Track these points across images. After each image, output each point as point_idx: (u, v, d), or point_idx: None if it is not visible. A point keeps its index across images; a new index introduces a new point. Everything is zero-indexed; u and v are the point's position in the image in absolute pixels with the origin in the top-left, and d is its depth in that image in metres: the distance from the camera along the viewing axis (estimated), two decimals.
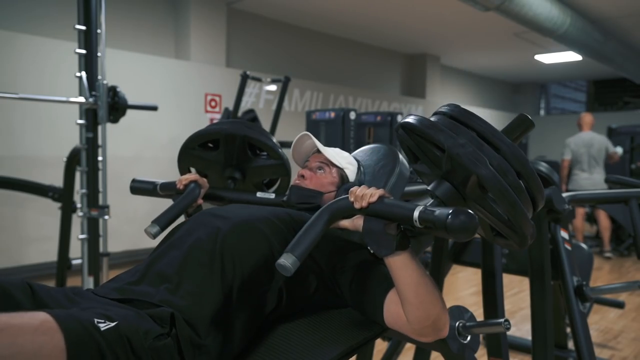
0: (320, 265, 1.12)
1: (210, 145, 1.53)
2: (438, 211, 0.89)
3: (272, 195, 1.43)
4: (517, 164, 0.92)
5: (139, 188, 1.48)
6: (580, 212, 5.52)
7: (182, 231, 1.16)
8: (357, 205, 0.97)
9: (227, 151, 1.48)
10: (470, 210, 0.89)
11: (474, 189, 0.96)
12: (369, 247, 1.02)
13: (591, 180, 5.31)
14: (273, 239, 1.10)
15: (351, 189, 1.00)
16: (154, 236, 1.23)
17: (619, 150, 5.63)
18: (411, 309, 0.98)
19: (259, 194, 1.43)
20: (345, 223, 1.01)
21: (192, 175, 1.39)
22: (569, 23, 5.85)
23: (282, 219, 1.15)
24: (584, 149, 5.39)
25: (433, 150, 0.99)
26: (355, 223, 1.00)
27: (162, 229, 1.24)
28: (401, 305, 1.00)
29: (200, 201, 1.38)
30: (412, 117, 1.01)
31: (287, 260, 0.89)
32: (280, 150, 1.48)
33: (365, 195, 0.96)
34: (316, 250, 1.09)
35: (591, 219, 6.06)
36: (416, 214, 0.91)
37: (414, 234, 1.01)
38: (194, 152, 1.52)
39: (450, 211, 0.87)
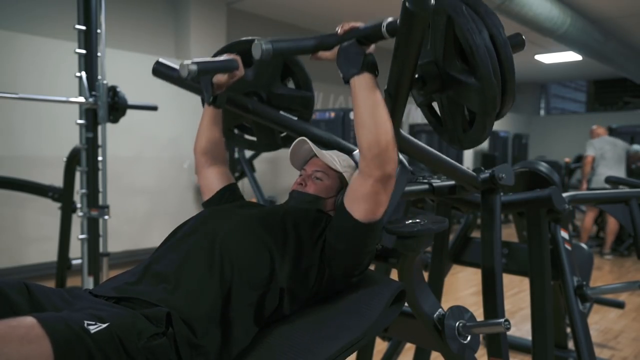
0: (317, 256, 1.12)
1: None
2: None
3: (295, 118, 1.44)
4: (493, 28, 1.01)
5: (163, 72, 1.41)
6: (591, 214, 5.54)
7: (181, 233, 1.16)
8: (340, 31, 1.06)
9: (261, 67, 1.46)
10: None
11: (449, 46, 1.06)
12: (340, 72, 1.09)
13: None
14: (270, 239, 1.10)
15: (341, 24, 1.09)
16: (189, 73, 1.16)
17: (638, 147, 5.75)
18: (364, 131, 1.04)
19: (282, 113, 1.45)
20: (325, 54, 1.09)
21: (233, 55, 1.32)
22: (569, 23, 5.84)
23: (280, 218, 1.16)
24: (609, 146, 5.51)
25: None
26: (334, 52, 1.08)
27: (199, 72, 1.18)
28: (357, 133, 1.05)
29: (240, 73, 1.30)
30: None
31: (264, 43, 0.97)
32: (312, 84, 1.50)
33: (350, 23, 1.06)
34: (311, 243, 1.12)
35: (595, 219, 6.07)
36: (384, 23, 1.02)
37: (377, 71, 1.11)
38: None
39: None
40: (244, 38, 1.46)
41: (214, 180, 1.38)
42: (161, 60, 1.43)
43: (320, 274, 1.13)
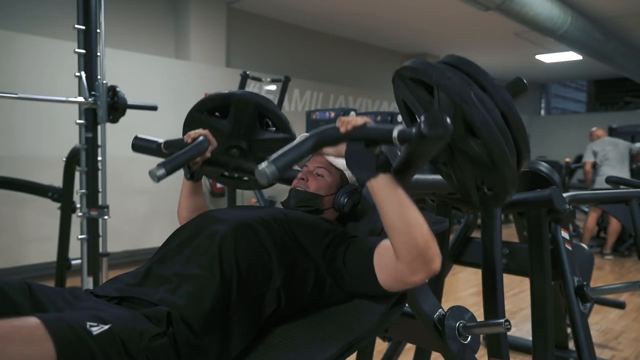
0: (316, 261, 1.12)
1: (217, 115, 1.49)
2: (415, 128, 0.91)
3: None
4: (503, 105, 0.93)
5: (142, 146, 1.41)
6: (594, 214, 5.53)
7: (181, 235, 1.16)
8: (342, 130, 0.99)
9: (236, 119, 1.44)
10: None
11: (458, 127, 0.97)
12: (352, 174, 1.04)
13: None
14: (269, 240, 1.10)
15: (339, 118, 1.02)
16: (158, 179, 1.17)
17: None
18: (398, 235, 0.96)
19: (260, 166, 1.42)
20: (329, 150, 1.04)
21: (202, 130, 1.35)
22: (569, 23, 5.84)
23: (279, 220, 1.15)
24: (610, 146, 5.50)
25: (423, 97, 1.00)
26: (339, 149, 1.03)
27: (168, 173, 1.19)
28: (389, 240, 0.99)
29: (207, 155, 1.33)
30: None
31: (267, 168, 0.91)
32: (290, 124, 1.46)
33: (351, 121, 0.99)
34: (308, 243, 1.11)
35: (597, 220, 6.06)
36: (395, 132, 0.92)
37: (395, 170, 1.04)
38: (202, 117, 1.47)
39: (423, 119, 0.88)
40: (213, 94, 1.45)
41: None
42: (140, 135, 1.43)
43: (321, 281, 1.12)
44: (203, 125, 1.49)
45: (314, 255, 1.12)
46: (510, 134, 0.95)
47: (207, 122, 1.48)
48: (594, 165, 5.60)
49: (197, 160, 1.33)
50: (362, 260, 1.07)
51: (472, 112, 0.90)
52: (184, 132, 1.52)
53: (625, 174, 5.35)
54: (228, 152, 1.49)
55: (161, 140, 1.38)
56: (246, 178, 1.71)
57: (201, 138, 1.32)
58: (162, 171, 1.17)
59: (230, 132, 1.47)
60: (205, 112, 1.46)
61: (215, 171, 1.48)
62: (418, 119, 0.93)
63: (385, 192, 0.97)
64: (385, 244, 1.04)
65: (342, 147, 1.01)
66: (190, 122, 1.50)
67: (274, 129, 1.47)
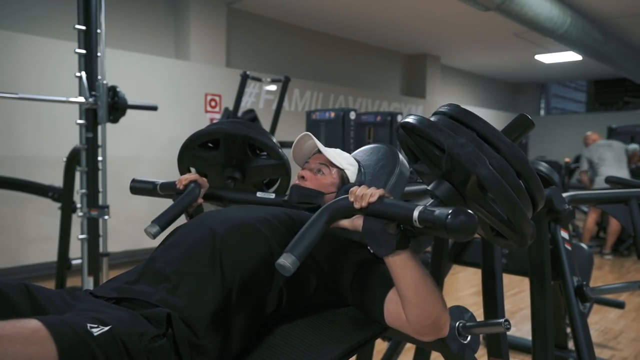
0: (321, 264, 1.11)
1: (210, 145, 1.53)
2: (438, 211, 0.89)
3: (272, 195, 1.42)
4: (517, 164, 0.92)
5: (139, 188, 1.48)
6: (593, 214, 5.53)
7: (181, 232, 1.16)
8: (357, 205, 0.97)
9: (227, 151, 1.47)
10: (469, 210, 0.89)
11: (473, 189, 0.96)
12: (369, 247, 1.02)
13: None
14: (272, 239, 1.10)
15: (351, 189, 1.00)
16: (154, 236, 1.22)
17: (636, 147, 5.73)
18: (411, 308, 0.98)
19: (259, 194, 1.43)
20: (345, 223, 1.01)
21: (192, 175, 1.38)
22: (569, 23, 5.84)
23: (281, 220, 1.15)
24: (604, 148, 5.49)
25: (433, 150, 0.99)
26: (355, 223, 1.00)
27: (162, 229, 1.24)
28: (401, 305, 1.00)
29: (200, 201, 1.38)
30: (412, 117, 1.01)
31: (286, 260, 0.89)
32: (280, 150, 1.48)
33: (365, 195, 0.96)
34: (316, 250, 1.08)
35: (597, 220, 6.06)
36: (416, 214, 0.90)
37: (413, 234, 1.01)
38: (194, 152, 1.51)
39: (450, 211, 0.87)
40: (202, 130, 1.48)
41: None
42: (136, 178, 1.48)
43: (324, 289, 1.12)
44: (196, 160, 1.53)
45: (317, 258, 1.11)
46: (527, 190, 0.94)
47: (200, 156, 1.52)
48: (591, 167, 5.58)
49: (191, 206, 1.36)
50: (372, 294, 1.07)
51: (487, 179, 0.89)
52: (179, 167, 1.56)
53: (623, 173, 5.34)
54: (224, 182, 1.52)
55: (158, 182, 1.43)
56: None
57: (192, 185, 1.35)
58: (156, 229, 1.22)
59: (223, 163, 1.50)
60: (197, 147, 1.50)
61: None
62: (425, 164, 0.92)
63: (402, 269, 0.97)
64: (395, 297, 1.03)
65: (358, 220, 0.99)
66: (183, 158, 1.53)
67: (265, 154, 1.49)
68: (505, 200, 0.90)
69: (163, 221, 1.25)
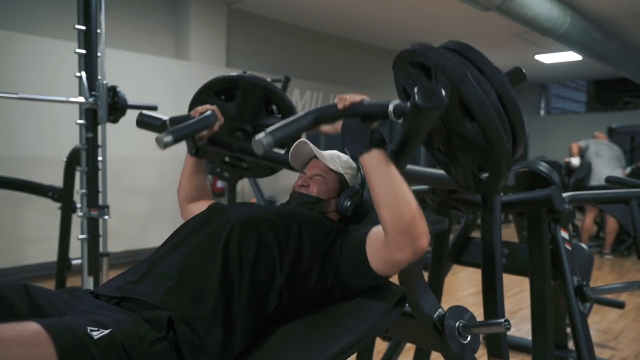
0: (319, 258, 1.12)
1: (223, 98, 1.50)
2: (410, 101, 0.92)
3: (282, 152, 1.42)
4: (500, 88, 0.95)
5: (146, 122, 1.43)
6: (591, 214, 5.54)
7: (184, 232, 1.16)
8: (340, 106, 1.02)
9: (243, 102, 1.44)
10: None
11: (454, 108, 0.98)
12: (346, 149, 1.05)
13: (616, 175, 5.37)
14: (274, 238, 1.10)
15: (338, 95, 1.04)
16: (165, 145, 1.17)
17: (628, 170, 5.80)
18: (386, 209, 0.98)
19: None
20: (327, 128, 1.05)
21: (209, 105, 1.35)
22: (569, 23, 5.84)
23: (283, 217, 1.15)
24: (603, 145, 5.56)
25: (422, 80, 1.02)
26: (337, 126, 1.05)
27: (175, 141, 1.19)
28: (377, 239, 1.01)
29: (215, 129, 1.33)
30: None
31: (264, 139, 0.94)
32: (296, 110, 1.47)
33: (350, 98, 1.01)
34: (314, 243, 1.11)
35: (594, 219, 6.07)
36: (391, 107, 0.95)
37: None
38: (209, 98, 1.48)
39: (416, 91, 0.90)
40: (221, 76, 1.46)
41: (200, 209, 1.37)
42: (144, 112, 1.43)
43: (322, 278, 1.12)
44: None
45: (317, 253, 1.12)
46: (507, 116, 0.97)
47: (214, 103, 1.48)
48: (582, 155, 5.63)
49: (203, 134, 1.33)
50: (355, 247, 1.09)
51: (469, 91, 0.91)
52: (189, 111, 1.51)
53: (618, 172, 5.37)
54: (233, 134, 1.49)
55: (166, 118, 1.37)
56: (246, 166, 1.70)
57: (209, 112, 1.32)
58: (169, 138, 1.17)
59: (236, 115, 1.48)
60: (213, 93, 1.47)
61: (218, 152, 1.48)
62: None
63: (376, 167, 0.99)
64: (376, 228, 1.06)
65: (339, 125, 1.04)
66: (197, 104, 1.51)
67: (280, 115, 1.48)
68: (484, 116, 0.91)
69: (177, 134, 1.20)
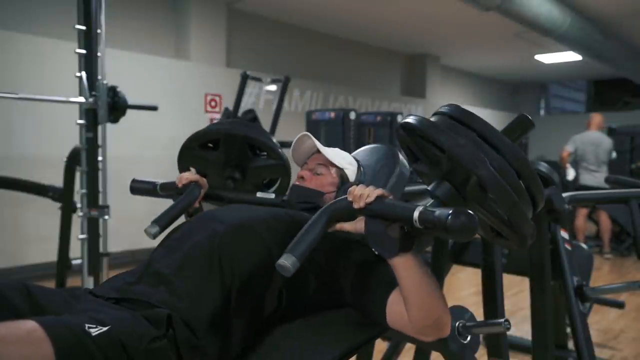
0: (320, 264, 1.11)
1: (210, 145, 1.53)
2: (438, 211, 0.88)
3: (272, 195, 1.42)
4: (517, 164, 0.92)
5: (139, 188, 1.48)
6: (582, 212, 5.54)
7: (181, 232, 1.16)
8: (355, 205, 0.97)
9: (227, 151, 1.48)
10: (469, 211, 0.89)
11: (474, 190, 0.96)
12: (372, 249, 1.02)
13: (597, 180, 5.33)
14: (271, 240, 1.09)
15: (350, 189, 0.99)
16: (154, 236, 1.23)
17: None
18: (413, 308, 0.98)
19: (258, 194, 1.43)
20: (347, 227, 1.01)
21: (192, 175, 1.38)
22: (569, 23, 5.84)
23: (281, 220, 1.15)
24: (590, 147, 5.48)
25: (433, 151, 0.99)
26: (357, 226, 1.00)
27: (162, 229, 1.24)
28: (404, 305, 1.00)
29: (199, 202, 1.37)
30: (412, 117, 1.01)
31: (287, 261, 0.89)
32: (280, 150, 1.48)
33: (364, 194, 0.96)
34: (315, 250, 1.08)
35: (592, 218, 6.07)
36: (416, 214, 0.90)
37: (415, 235, 1.01)
38: (194, 152, 1.52)
39: (450, 212, 0.87)
40: (202, 131, 1.48)
41: None
42: (136, 178, 1.47)
43: (322, 286, 1.11)
44: (196, 160, 1.53)
45: (317, 258, 1.10)
46: (527, 191, 0.94)
47: (200, 156, 1.52)
48: (572, 159, 5.61)
49: (190, 209, 1.36)
50: (373, 295, 1.06)
51: (489, 181, 0.89)
52: (179, 167, 1.55)
53: (600, 178, 5.26)
54: (225, 181, 1.52)
55: (158, 182, 1.43)
56: None
57: (192, 185, 1.35)
58: (156, 229, 1.22)
59: (223, 163, 1.51)
60: (197, 147, 1.50)
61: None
62: (425, 164, 0.92)
63: (405, 271, 0.97)
64: (397, 297, 1.03)
65: (361, 224, 0.99)
66: (183, 158, 1.53)
67: (265, 154, 1.49)
68: (505, 201, 0.90)
69: (163, 221, 1.25)
